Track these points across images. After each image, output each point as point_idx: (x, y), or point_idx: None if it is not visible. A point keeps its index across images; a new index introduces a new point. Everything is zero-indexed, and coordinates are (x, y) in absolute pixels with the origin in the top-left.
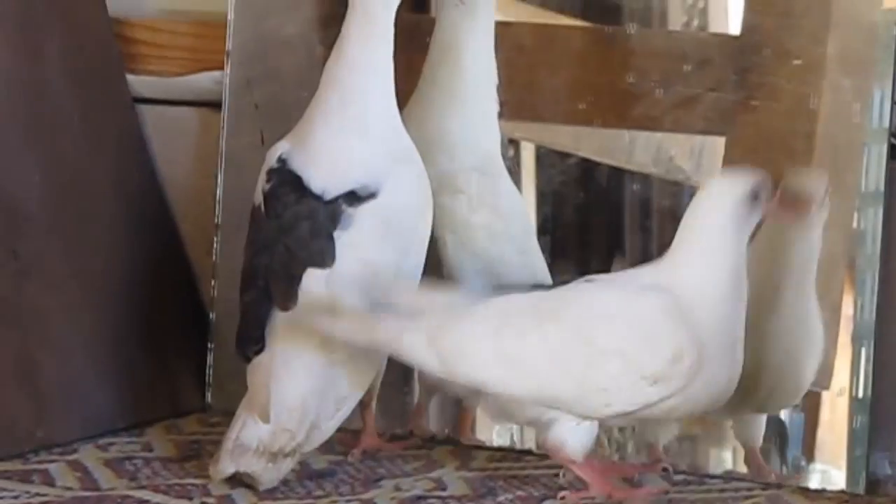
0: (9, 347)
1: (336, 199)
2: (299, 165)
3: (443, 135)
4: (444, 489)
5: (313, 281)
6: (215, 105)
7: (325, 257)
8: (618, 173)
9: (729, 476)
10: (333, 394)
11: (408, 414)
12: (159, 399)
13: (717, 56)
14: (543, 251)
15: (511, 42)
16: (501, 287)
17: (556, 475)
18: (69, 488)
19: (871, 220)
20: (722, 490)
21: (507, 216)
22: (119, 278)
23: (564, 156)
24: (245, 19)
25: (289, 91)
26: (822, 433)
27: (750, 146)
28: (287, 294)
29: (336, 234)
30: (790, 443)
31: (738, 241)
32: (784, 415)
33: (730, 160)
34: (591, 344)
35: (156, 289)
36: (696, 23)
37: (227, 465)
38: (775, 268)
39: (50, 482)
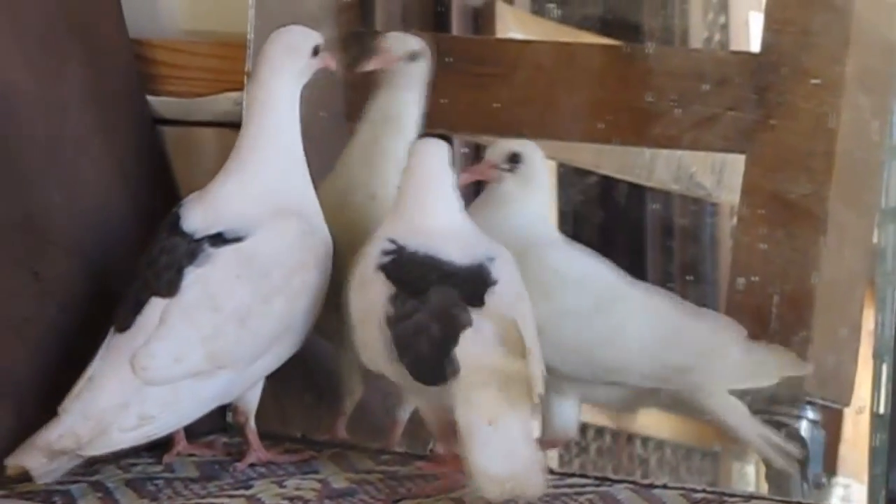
0: (30, 368)
1: (202, 238)
2: (186, 210)
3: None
4: None
5: (151, 308)
6: (236, 126)
7: (170, 288)
8: (638, 192)
9: (750, 495)
10: (137, 410)
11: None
12: None
13: (735, 75)
14: None
15: (531, 61)
16: None
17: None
18: None
19: (891, 237)
20: None
21: None
22: None
23: (585, 175)
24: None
25: (307, 112)
26: (844, 450)
27: (769, 164)
28: (125, 317)
29: (188, 269)
30: (811, 459)
31: None
32: (805, 431)
33: (750, 178)
34: None
35: None
36: (717, 38)
37: (10, 458)
38: None
39: (71, 503)
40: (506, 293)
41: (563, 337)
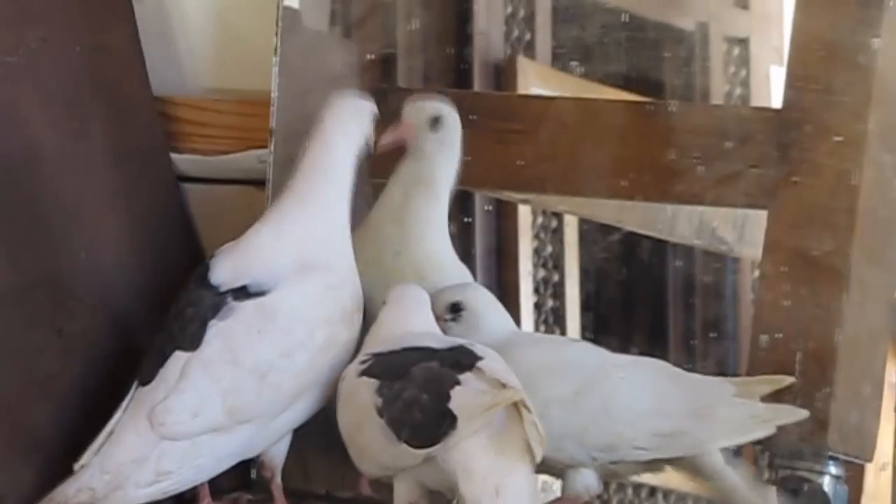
0: (54, 425)
1: (227, 291)
2: (216, 261)
3: (431, 257)
4: None
5: (174, 362)
6: (260, 183)
7: (193, 341)
8: (660, 249)
9: None
10: (154, 465)
11: None
12: None
13: (758, 132)
14: (587, 328)
15: (554, 117)
16: None
17: None
18: None
19: None
20: None
21: None
22: None
23: (607, 232)
24: (288, 97)
25: None
26: None
27: (792, 221)
28: (149, 371)
29: (212, 322)
30: None
31: None
32: (828, 487)
33: (772, 235)
34: None
35: None
36: (738, 92)
37: None
38: None
39: None
40: (496, 366)
41: (552, 424)
